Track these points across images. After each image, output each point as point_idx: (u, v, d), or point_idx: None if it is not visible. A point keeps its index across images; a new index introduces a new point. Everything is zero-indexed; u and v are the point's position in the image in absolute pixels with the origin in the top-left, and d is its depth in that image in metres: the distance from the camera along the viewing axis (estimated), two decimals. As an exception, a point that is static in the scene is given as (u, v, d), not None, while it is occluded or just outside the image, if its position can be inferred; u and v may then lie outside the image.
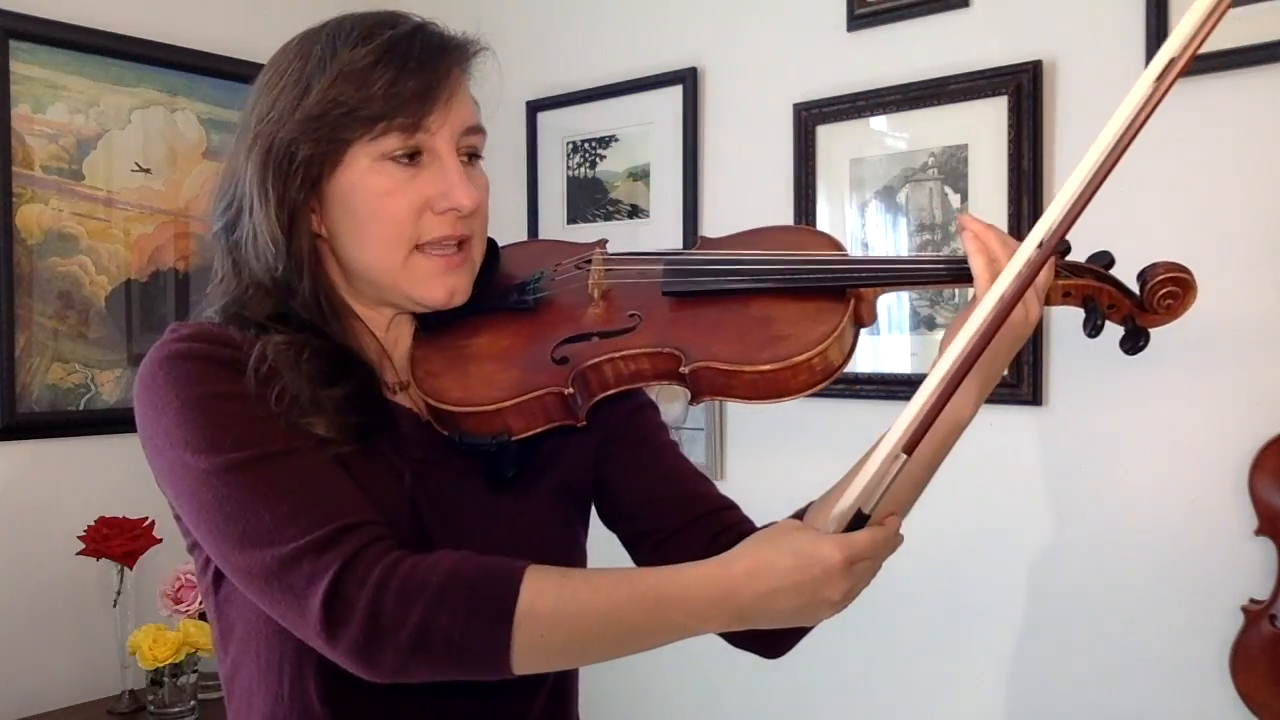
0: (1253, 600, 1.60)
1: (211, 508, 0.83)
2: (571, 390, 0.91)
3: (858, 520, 0.81)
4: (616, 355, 0.92)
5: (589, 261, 1.02)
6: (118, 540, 2.06)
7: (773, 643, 0.99)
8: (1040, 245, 0.81)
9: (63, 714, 2.14)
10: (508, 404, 0.91)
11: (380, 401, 0.94)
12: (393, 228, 0.92)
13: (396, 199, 0.92)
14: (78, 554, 2.06)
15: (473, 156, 0.97)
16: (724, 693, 2.19)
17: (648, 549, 1.04)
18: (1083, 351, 1.75)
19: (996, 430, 1.87)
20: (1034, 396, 1.81)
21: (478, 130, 0.97)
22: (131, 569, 2.12)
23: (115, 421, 2.25)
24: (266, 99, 0.93)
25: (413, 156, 0.92)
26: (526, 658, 0.80)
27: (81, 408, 2.26)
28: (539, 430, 0.93)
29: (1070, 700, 1.80)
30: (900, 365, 1.94)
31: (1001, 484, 1.87)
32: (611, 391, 0.94)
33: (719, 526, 1.02)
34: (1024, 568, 1.85)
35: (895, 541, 0.84)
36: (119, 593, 2.13)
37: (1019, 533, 1.85)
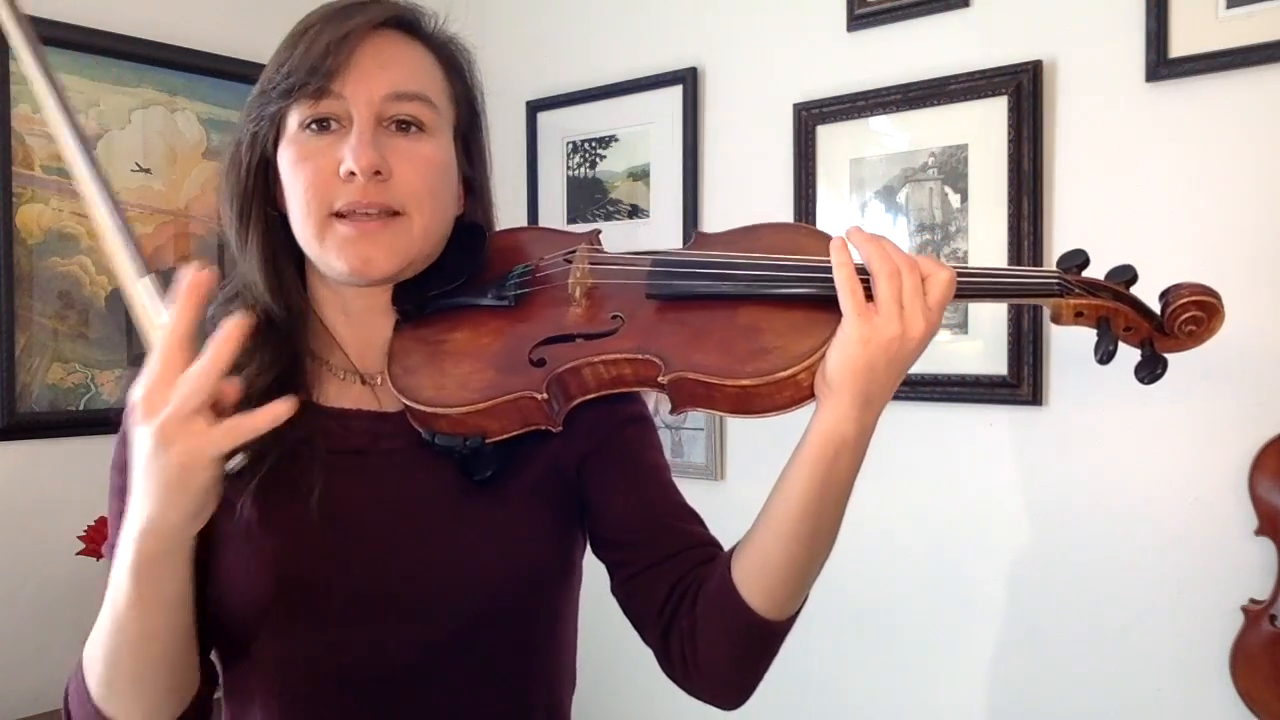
0: (1253, 600, 1.60)
1: None
2: (545, 396, 0.87)
3: None
4: (596, 359, 0.87)
5: (574, 256, 0.97)
6: (118, 540, 2.06)
7: (731, 693, 0.96)
8: None
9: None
10: (480, 406, 0.87)
11: (281, 436, 0.85)
12: (303, 195, 0.90)
13: (304, 166, 0.89)
14: (78, 554, 2.06)
15: (409, 126, 0.91)
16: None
17: (619, 580, 0.99)
18: (1083, 351, 1.75)
19: (996, 430, 1.87)
20: (1034, 396, 1.81)
21: (411, 97, 0.91)
22: (131, 569, 2.12)
23: (115, 421, 2.23)
24: None
25: (325, 124, 0.89)
26: (112, 702, 0.83)
27: (81, 408, 2.26)
28: (514, 434, 0.89)
29: (1070, 700, 1.80)
30: (900, 365, 1.93)
31: (1001, 484, 1.87)
32: (591, 395, 0.90)
33: (687, 566, 0.96)
34: (1024, 567, 1.85)
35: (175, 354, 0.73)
36: (119, 593, 2.13)
37: (1019, 532, 1.85)
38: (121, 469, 0.93)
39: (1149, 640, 1.72)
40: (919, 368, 1.95)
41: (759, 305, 0.87)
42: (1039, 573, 1.83)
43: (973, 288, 0.87)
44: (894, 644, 2.00)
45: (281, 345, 0.93)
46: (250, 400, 0.80)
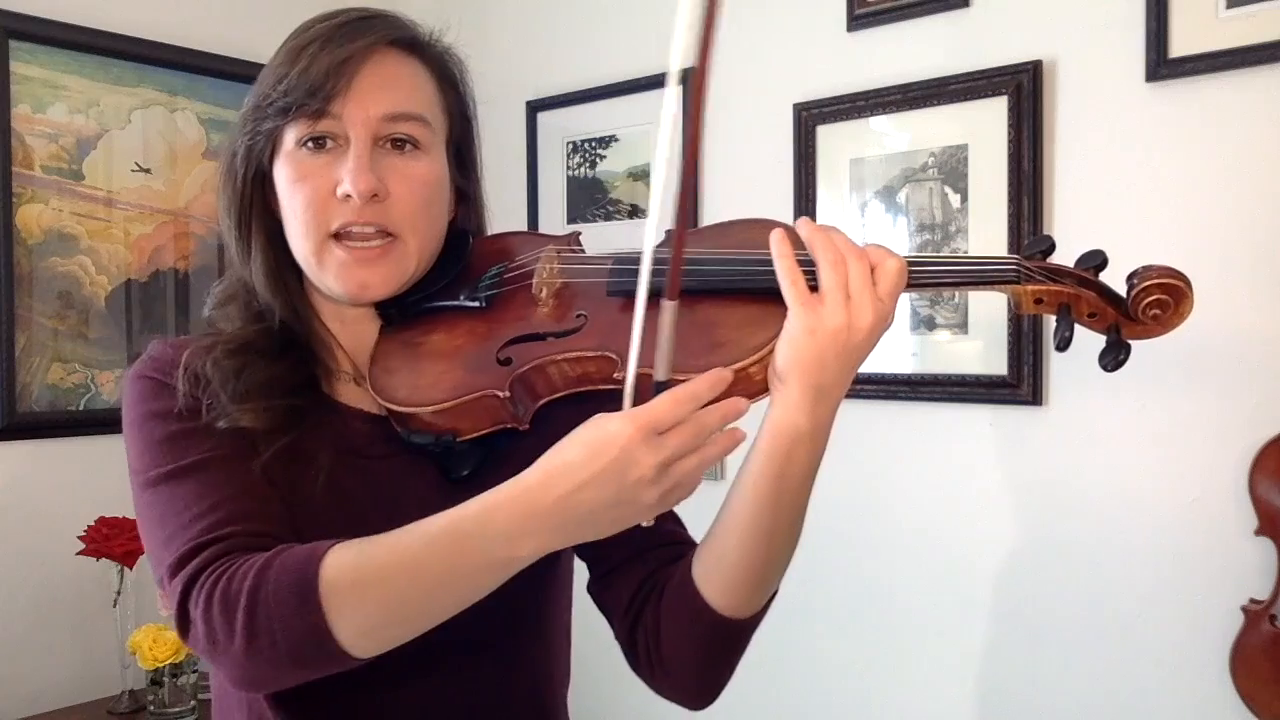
0: (1253, 600, 1.60)
1: (141, 522, 0.88)
2: (508, 394, 0.87)
3: (656, 392, 0.74)
4: (559, 357, 0.88)
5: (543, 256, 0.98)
6: (118, 540, 2.06)
7: (697, 692, 0.95)
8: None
9: (63, 714, 2.14)
10: (448, 405, 0.89)
11: (312, 385, 0.95)
12: (301, 215, 0.91)
13: (302, 186, 0.91)
14: (78, 554, 2.06)
15: (405, 144, 0.93)
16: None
17: (593, 577, 1.00)
18: (1083, 351, 1.75)
19: (996, 430, 1.87)
20: (1034, 396, 1.81)
21: (407, 117, 0.92)
22: (131, 569, 2.12)
23: (115, 421, 2.19)
24: None
25: (321, 142, 0.91)
26: (353, 636, 0.75)
27: (81, 408, 2.26)
28: (485, 432, 0.90)
29: (1070, 700, 1.80)
30: (901, 365, 1.93)
31: (1001, 484, 1.87)
32: (560, 394, 0.90)
33: (655, 564, 0.97)
34: (1023, 567, 1.85)
35: (703, 393, 0.74)
36: (119, 593, 2.13)
37: (1018, 532, 1.85)
38: (171, 394, 0.91)
39: (1148, 640, 1.72)
40: (919, 367, 1.97)
41: (716, 300, 0.87)
42: (1038, 573, 1.83)
43: (927, 277, 0.85)
44: (893, 643, 2.00)
45: (301, 346, 0.96)
46: (273, 393, 0.89)
